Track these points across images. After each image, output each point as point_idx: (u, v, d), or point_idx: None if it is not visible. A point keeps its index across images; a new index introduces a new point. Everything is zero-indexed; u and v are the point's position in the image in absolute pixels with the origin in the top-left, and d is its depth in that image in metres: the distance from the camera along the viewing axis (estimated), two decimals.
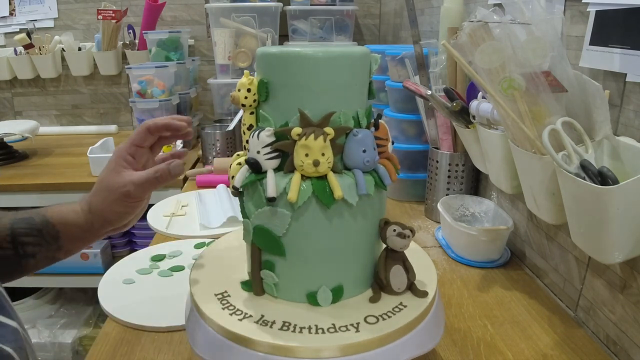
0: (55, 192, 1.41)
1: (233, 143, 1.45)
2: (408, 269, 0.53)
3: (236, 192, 0.52)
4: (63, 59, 1.92)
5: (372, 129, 0.52)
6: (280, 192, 0.47)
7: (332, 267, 0.51)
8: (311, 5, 1.75)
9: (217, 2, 1.64)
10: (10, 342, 0.43)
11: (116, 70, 1.94)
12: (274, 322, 0.48)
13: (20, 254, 0.56)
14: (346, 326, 0.47)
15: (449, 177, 1.01)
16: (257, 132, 0.48)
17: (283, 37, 1.81)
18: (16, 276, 0.58)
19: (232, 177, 0.52)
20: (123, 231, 0.60)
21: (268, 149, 0.48)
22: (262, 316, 0.49)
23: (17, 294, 1.62)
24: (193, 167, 1.53)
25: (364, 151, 0.48)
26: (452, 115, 0.86)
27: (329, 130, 0.47)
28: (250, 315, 0.49)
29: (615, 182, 0.50)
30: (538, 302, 0.75)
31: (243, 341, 0.46)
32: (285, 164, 0.48)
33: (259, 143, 0.48)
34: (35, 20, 1.93)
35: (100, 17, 1.76)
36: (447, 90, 0.87)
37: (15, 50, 1.90)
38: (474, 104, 0.80)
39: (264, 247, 0.51)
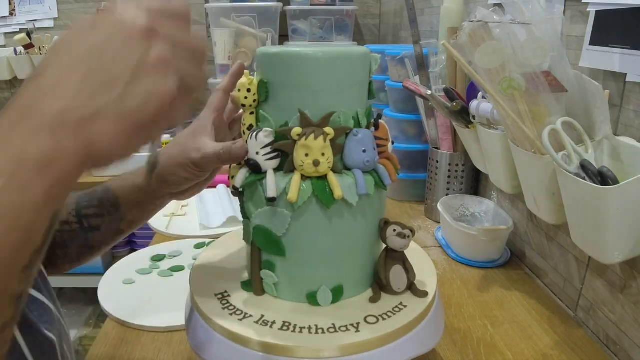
0: None
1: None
2: (408, 269, 0.53)
3: (236, 192, 0.52)
4: None
5: (372, 129, 0.52)
6: (280, 192, 0.47)
7: (332, 267, 0.51)
8: (311, 5, 1.75)
9: (217, 2, 1.64)
10: (46, 322, 0.43)
11: None
12: (274, 322, 0.48)
13: (85, 228, 0.56)
14: (346, 326, 0.47)
15: (449, 177, 1.01)
16: (255, 133, 0.48)
17: (283, 37, 1.81)
18: (86, 254, 0.58)
19: (232, 177, 0.52)
20: (182, 199, 0.58)
21: (267, 150, 0.48)
22: (262, 316, 0.49)
23: None
24: None
25: (364, 151, 0.48)
26: (452, 115, 0.86)
27: (329, 130, 0.47)
28: (250, 315, 0.49)
29: (615, 182, 0.50)
30: (538, 302, 0.75)
31: (243, 341, 0.46)
32: (285, 164, 0.48)
33: (258, 144, 0.48)
34: (35, 20, 1.93)
35: None
36: (447, 90, 0.87)
37: (15, 50, 1.90)
38: (474, 104, 0.80)
39: (264, 247, 0.51)
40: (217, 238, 0.68)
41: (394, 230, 0.51)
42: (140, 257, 0.89)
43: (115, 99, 0.28)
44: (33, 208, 0.27)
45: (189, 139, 0.52)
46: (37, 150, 0.27)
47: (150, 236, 1.03)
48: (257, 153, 0.48)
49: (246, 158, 0.49)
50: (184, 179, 0.53)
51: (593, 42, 0.63)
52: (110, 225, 0.57)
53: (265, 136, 0.48)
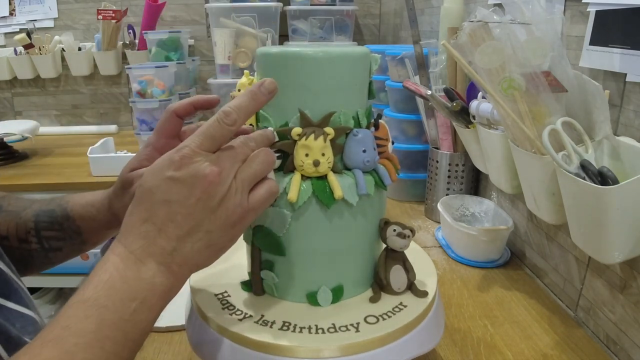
0: (55, 192, 1.40)
1: None
2: (408, 269, 0.53)
3: None
4: (63, 59, 1.92)
5: (372, 129, 0.52)
6: (280, 192, 0.47)
7: (332, 267, 0.51)
8: (311, 5, 1.75)
9: (217, 2, 1.64)
10: (30, 333, 0.44)
11: (116, 70, 1.94)
12: (274, 322, 0.48)
13: (46, 248, 0.55)
14: (346, 326, 0.47)
15: (449, 177, 1.01)
16: None
17: (283, 37, 1.81)
18: (47, 267, 0.57)
19: None
20: None
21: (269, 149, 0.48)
22: (262, 316, 0.49)
23: None
24: None
25: (364, 151, 0.48)
26: (452, 115, 0.86)
27: (329, 130, 0.47)
28: (250, 315, 0.49)
29: (615, 182, 0.50)
30: (538, 302, 0.75)
31: (243, 341, 0.46)
32: (286, 164, 0.48)
33: None
34: (35, 20, 1.93)
35: (100, 17, 1.76)
36: (447, 90, 0.87)
37: (15, 50, 1.90)
38: (474, 104, 0.80)
39: (264, 247, 0.51)
40: None
41: (394, 230, 0.51)
42: None
43: (207, 240, 0.38)
44: (152, 323, 0.38)
45: (125, 174, 0.51)
46: (162, 284, 0.37)
47: None
48: None
49: None
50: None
51: (593, 42, 0.63)
52: (72, 247, 0.56)
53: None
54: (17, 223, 0.55)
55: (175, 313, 0.69)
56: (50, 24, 1.94)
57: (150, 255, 0.37)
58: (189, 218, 0.37)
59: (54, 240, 0.55)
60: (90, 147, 1.43)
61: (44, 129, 1.93)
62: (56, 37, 1.89)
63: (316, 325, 0.47)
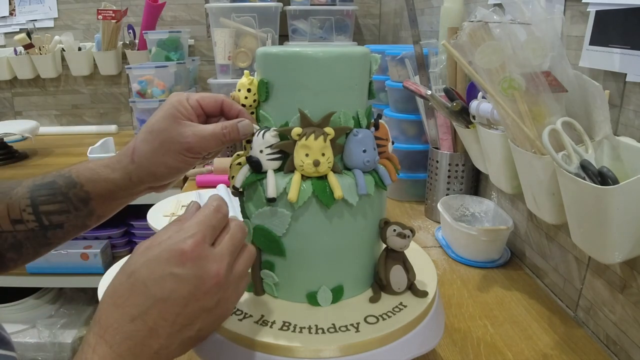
0: None
1: (233, 143, 1.45)
2: (408, 269, 0.53)
3: (236, 192, 0.52)
4: (63, 59, 1.92)
5: (372, 129, 0.52)
6: (280, 192, 0.47)
7: (332, 267, 0.51)
8: (311, 5, 1.75)
9: (217, 2, 1.64)
10: None
11: (116, 70, 1.94)
12: (274, 322, 0.48)
13: (45, 226, 0.50)
14: (346, 326, 0.47)
15: (449, 177, 1.01)
16: (262, 132, 0.48)
17: (283, 37, 1.81)
18: (43, 252, 0.53)
19: (232, 177, 0.52)
20: (160, 192, 0.53)
21: (270, 149, 0.48)
22: (262, 316, 0.49)
23: (17, 294, 1.62)
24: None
25: (364, 151, 0.48)
26: (452, 115, 0.86)
27: (329, 130, 0.47)
28: (250, 315, 0.49)
29: (615, 182, 0.50)
30: (538, 302, 0.75)
31: (243, 341, 0.46)
32: (286, 164, 0.48)
33: (263, 142, 0.48)
34: (35, 20, 1.93)
35: (100, 17, 1.76)
36: (447, 90, 0.87)
37: (15, 50, 1.90)
38: (474, 104, 0.80)
39: (264, 247, 0.51)
40: None
41: (394, 230, 0.51)
42: None
43: (196, 337, 0.38)
44: None
45: (170, 126, 0.46)
46: None
47: (150, 236, 1.03)
48: (261, 151, 0.48)
49: (248, 155, 0.49)
50: (174, 169, 0.48)
51: (593, 42, 0.63)
52: (75, 222, 0.51)
53: (272, 136, 0.48)
54: (7, 204, 0.50)
55: None
56: (50, 24, 1.94)
57: (137, 356, 0.35)
58: (183, 317, 0.36)
59: (55, 215, 0.50)
60: (90, 147, 1.43)
61: (44, 129, 1.93)
62: (56, 37, 1.89)
63: (316, 325, 0.47)
